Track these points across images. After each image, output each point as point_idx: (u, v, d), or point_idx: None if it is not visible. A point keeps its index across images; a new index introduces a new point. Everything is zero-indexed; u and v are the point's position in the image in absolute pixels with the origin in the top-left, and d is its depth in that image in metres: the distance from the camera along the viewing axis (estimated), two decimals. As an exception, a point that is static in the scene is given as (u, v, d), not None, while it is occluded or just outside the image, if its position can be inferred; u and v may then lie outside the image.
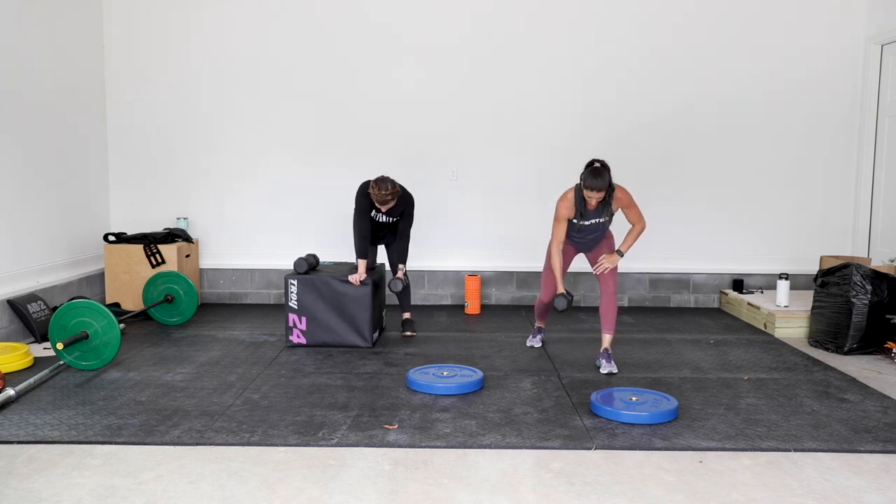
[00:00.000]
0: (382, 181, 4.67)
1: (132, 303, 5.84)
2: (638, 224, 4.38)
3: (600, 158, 4.14)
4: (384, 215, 4.89)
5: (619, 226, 4.70)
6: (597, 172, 4.05)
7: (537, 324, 4.94)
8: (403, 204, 4.89)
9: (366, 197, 4.81)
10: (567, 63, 6.23)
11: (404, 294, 5.23)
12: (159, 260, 5.78)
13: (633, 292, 6.40)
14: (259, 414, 3.51)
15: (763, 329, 5.46)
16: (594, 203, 4.16)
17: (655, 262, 6.38)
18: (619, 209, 4.30)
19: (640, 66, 6.22)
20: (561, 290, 4.34)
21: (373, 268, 5.07)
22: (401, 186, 4.81)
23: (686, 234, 6.37)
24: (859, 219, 6.25)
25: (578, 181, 4.18)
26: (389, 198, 4.67)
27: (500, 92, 6.26)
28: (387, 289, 5.43)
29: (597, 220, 4.27)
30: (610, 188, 4.12)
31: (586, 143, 6.22)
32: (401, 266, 5.01)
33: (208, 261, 6.41)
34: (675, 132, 6.28)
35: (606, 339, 4.36)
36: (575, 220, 4.28)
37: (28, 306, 4.92)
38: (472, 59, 6.23)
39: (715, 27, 6.19)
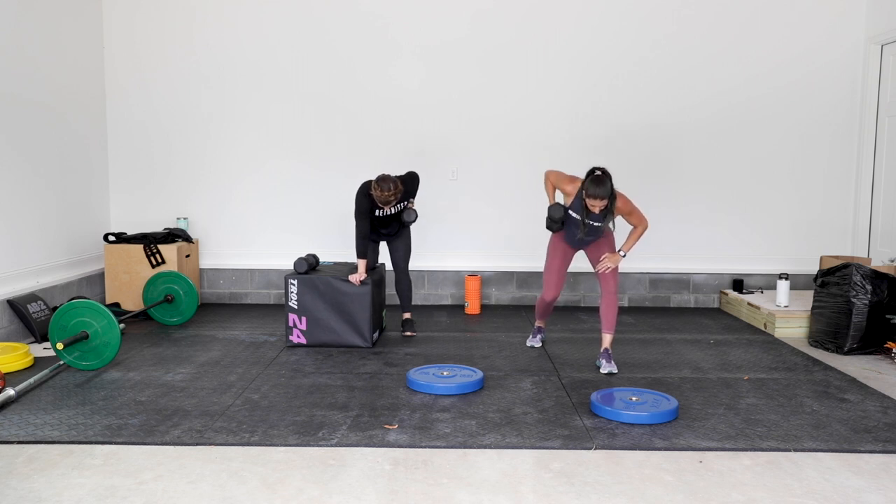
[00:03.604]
0: (384, 181, 4.63)
1: (132, 303, 5.84)
2: (640, 226, 4.38)
3: (602, 166, 4.15)
4: (390, 208, 4.87)
5: (619, 226, 4.69)
6: (599, 181, 4.06)
7: (537, 324, 4.94)
8: (409, 189, 4.89)
9: (366, 197, 4.80)
10: (566, 63, 6.23)
11: (405, 294, 5.23)
12: (159, 260, 5.78)
13: (633, 292, 6.40)
14: (259, 414, 3.51)
15: (763, 329, 5.46)
16: (597, 210, 4.16)
17: (655, 262, 6.38)
18: (620, 216, 4.31)
19: (640, 66, 6.22)
20: (553, 202, 4.44)
21: (373, 268, 5.07)
22: (402, 180, 4.80)
23: (686, 234, 6.37)
24: (859, 219, 6.25)
25: (581, 184, 4.19)
26: (392, 199, 4.66)
27: (500, 92, 6.26)
28: (388, 287, 5.43)
29: (599, 223, 4.28)
30: (611, 196, 4.12)
31: (586, 143, 6.23)
32: (410, 199, 5.00)
33: (208, 261, 6.41)
34: (675, 132, 6.28)
35: (606, 339, 4.37)
36: (578, 217, 4.28)
37: (28, 306, 4.92)
38: (474, 59, 6.23)
39: (715, 27, 6.19)
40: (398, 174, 4.96)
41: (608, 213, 4.21)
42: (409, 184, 4.91)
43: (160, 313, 5.53)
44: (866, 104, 6.15)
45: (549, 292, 4.61)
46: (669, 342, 5.06)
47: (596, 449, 3.13)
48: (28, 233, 5.19)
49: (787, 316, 5.27)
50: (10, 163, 4.99)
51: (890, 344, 4.65)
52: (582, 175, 4.29)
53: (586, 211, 4.21)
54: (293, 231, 6.37)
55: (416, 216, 4.99)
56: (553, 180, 4.45)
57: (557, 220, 4.36)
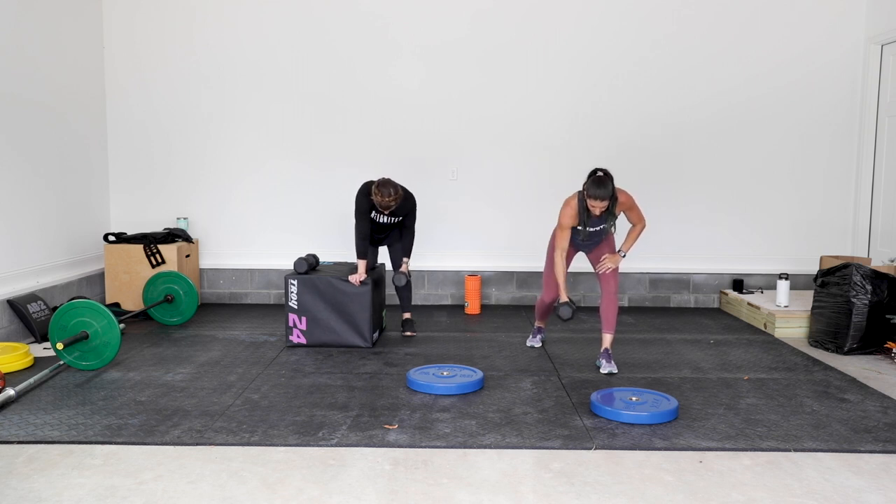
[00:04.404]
0: (385, 186, 4.63)
1: (132, 303, 5.84)
2: (639, 224, 4.39)
3: (603, 167, 4.14)
4: (385, 216, 4.88)
5: (619, 225, 4.69)
6: (600, 182, 4.05)
7: (537, 324, 4.94)
8: (406, 205, 4.87)
9: (366, 197, 4.79)
10: (566, 63, 6.23)
11: (405, 294, 5.22)
12: (159, 260, 5.78)
13: (633, 292, 6.40)
14: (259, 414, 3.51)
15: (763, 329, 5.46)
16: (598, 212, 4.15)
17: (655, 262, 6.38)
18: (622, 212, 4.30)
19: (640, 66, 6.22)
20: (564, 298, 4.30)
21: (373, 268, 5.07)
22: (402, 188, 4.79)
23: (686, 234, 6.37)
24: (859, 219, 6.25)
25: (581, 189, 4.18)
26: (392, 203, 4.65)
27: (500, 92, 6.26)
28: (388, 287, 5.44)
29: (601, 226, 4.27)
30: (613, 197, 4.11)
31: (586, 143, 6.23)
32: (405, 260, 5.01)
33: (208, 261, 6.41)
34: (675, 132, 6.28)
35: (607, 339, 4.36)
36: (580, 227, 4.27)
37: (28, 306, 4.92)
38: (474, 59, 6.23)
39: (715, 27, 6.19)
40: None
41: (609, 214, 4.21)
42: (409, 198, 4.89)
43: (160, 313, 5.53)
44: (866, 104, 6.15)
45: (549, 293, 4.61)
46: (669, 342, 5.06)
47: (596, 449, 3.13)
48: (28, 233, 5.19)
49: (787, 316, 5.27)
50: (10, 163, 4.98)
51: (890, 344, 4.65)
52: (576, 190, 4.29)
53: (587, 214, 4.20)
54: (293, 231, 6.37)
55: (406, 280, 4.98)
56: (560, 244, 4.27)
57: (565, 320, 4.32)
